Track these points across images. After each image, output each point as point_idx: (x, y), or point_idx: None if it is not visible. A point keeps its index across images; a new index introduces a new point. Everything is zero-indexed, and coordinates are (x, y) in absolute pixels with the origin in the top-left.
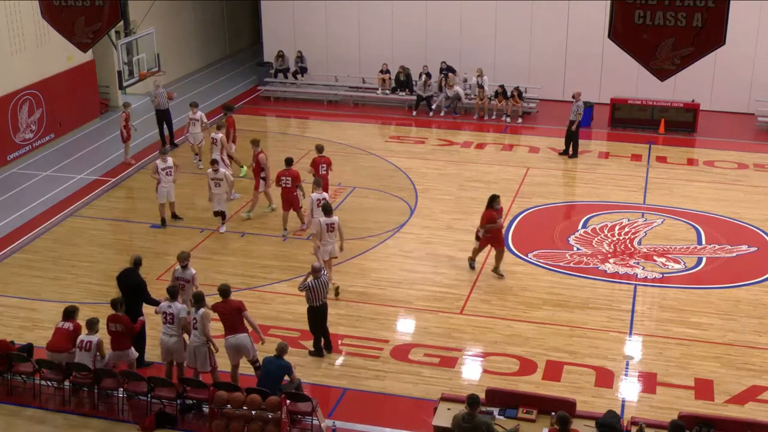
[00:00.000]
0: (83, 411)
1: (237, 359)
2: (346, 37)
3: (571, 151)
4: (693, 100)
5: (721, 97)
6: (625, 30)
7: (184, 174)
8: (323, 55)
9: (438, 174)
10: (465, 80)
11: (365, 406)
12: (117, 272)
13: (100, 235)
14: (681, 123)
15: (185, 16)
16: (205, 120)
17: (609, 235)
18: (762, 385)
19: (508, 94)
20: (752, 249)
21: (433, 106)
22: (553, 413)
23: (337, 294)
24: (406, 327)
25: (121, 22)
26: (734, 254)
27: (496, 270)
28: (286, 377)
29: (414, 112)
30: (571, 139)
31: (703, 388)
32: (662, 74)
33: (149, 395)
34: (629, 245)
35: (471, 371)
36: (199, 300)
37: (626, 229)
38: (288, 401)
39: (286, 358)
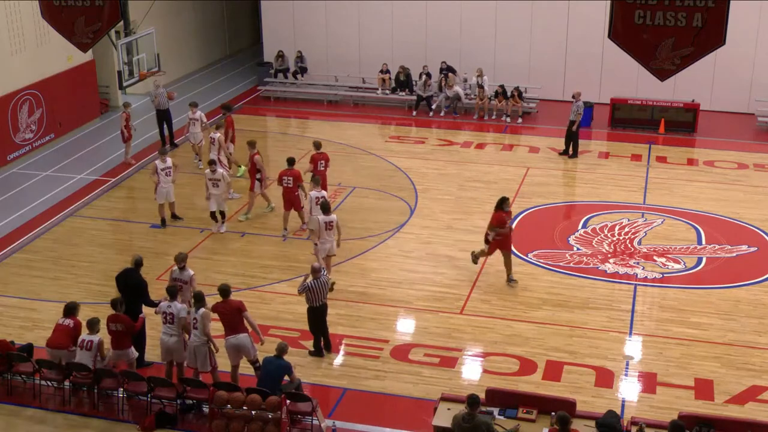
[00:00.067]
0: (83, 411)
1: (237, 359)
2: (346, 37)
3: (571, 151)
4: (693, 100)
5: (721, 97)
6: (625, 30)
7: (184, 174)
8: (323, 55)
9: (438, 174)
10: (465, 80)
11: (365, 406)
12: (117, 272)
13: (100, 235)
14: (681, 123)
15: (185, 16)
16: (204, 120)
17: (609, 235)
18: (762, 385)
19: (508, 94)
20: (752, 249)
21: (433, 106)
22: (553, 413)
23: (331, 289)
24: (406, 327)
25: (121, 22)
26: (734, 254)
27: (509, 279)
28: (286, 377)
29: (414, 112)
30: (571, 139)
31: (703, 388)
32: (662, 74)
33: (149, 395)
34: (629, 245)
35: (471, 371)
36: (199, 300)
37: (626, 229)
38: (288, 401)
39: (286, 358)
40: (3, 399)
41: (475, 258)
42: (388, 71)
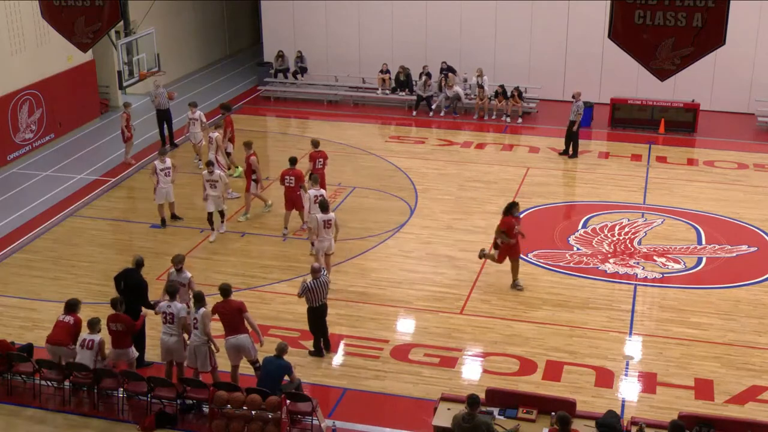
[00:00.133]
0: (83, 411)
1: (237, 359)
2: (346, 37)
3: (571, 151)
4: (693, 100)
5: (721, 97)
6: (625, 30)
7: (183, 174)
8: (323, 55)
9: (438, 174)
10: (465, 80)
11: (365, 406)
12: (117, 272)
13: (100, 235)
14: (681, 123)
15: (185, 16)
16: (204, 120)
17: (609, 235)
18: (762, 385)
19: (508, 94)
20: (752, 249)
21: (433, 106)
22: (553, 413)
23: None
24: (406, 327)
25: (121, 22)
26: (734, 254)
27: (515, 284)
28: (286, 377)
29: (414, 112)
30: (571, 139)
31: (703, 388)
32: (662, 74)
33: (149, 395)
34: (629, 245)
35: (471, 371)
36: (199, 299)
37: (626, 229)
38: (288, 401)
39: (286, 358)
40: (3, 399)
41: (482, 254)
42: (388, 71)
